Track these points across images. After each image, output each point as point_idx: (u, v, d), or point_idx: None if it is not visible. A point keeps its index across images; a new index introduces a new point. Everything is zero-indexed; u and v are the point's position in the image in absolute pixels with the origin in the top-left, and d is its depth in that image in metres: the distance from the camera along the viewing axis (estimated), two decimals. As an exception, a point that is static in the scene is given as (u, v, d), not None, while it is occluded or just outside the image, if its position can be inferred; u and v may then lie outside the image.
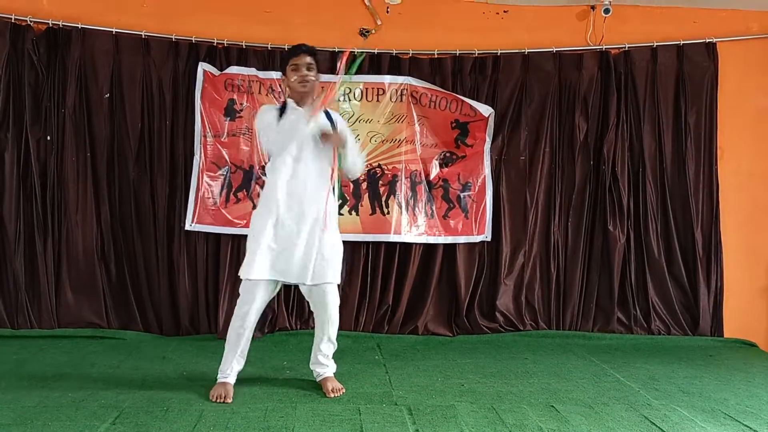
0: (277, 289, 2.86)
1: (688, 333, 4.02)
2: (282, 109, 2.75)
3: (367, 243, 3.99)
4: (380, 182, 3.98)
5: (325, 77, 3.88)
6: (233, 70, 3.87)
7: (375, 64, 4.01)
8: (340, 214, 3.89)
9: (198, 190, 3.83)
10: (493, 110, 4.00)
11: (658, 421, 2.51)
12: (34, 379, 2.91)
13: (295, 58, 2.71)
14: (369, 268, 4.01)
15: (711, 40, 4.03)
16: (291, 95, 2.78)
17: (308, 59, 2.71)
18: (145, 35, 3.83)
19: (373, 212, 3.96)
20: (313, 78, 2.71)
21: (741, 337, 4.02)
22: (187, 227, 3.80)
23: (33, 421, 2.37)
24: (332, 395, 2.74)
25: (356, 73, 3.95)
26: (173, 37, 3.85)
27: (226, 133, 3.86)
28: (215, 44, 3.90)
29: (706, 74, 4.03)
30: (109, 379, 2.93)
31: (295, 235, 2.68)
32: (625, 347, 3.83)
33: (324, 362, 2.87)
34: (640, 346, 3.85)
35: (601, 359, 3.52)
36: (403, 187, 3.98)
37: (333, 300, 2.79)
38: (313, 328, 3.93)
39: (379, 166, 3.99)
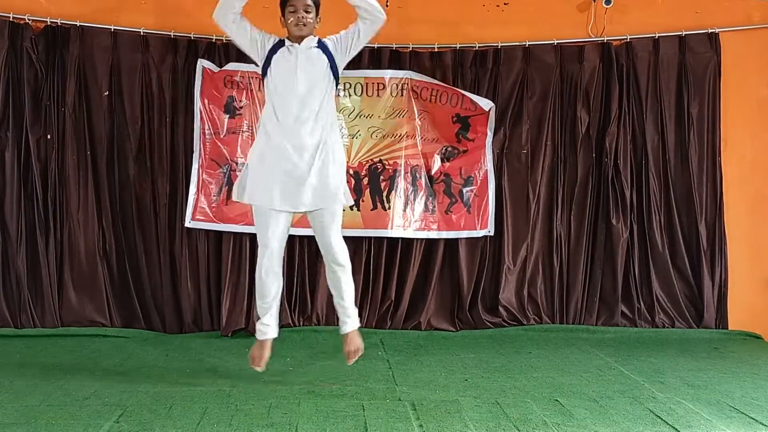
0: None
1: (693, 326, 4.00)
2: (279, 44, 2.77)
3: (369, 238, 3.98)
4: (381, 177, 3.97)
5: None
6: (232, 66, 3.85)
7: (375, 58, 3.99)
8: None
9: (198, 187, 3.82)
10: (493, 104, 3.98)
11: (663, 415, 2.50)
12: (38, 377, 2.91)
13: None
14: (371, 263, 4.00)
15: (713, 30, 4.00)
16: (289, 37, 2.78)
17: (307, 0, 2.69)
18: (143, 32, 3.82)
19: (374, 207, 3.95)
20: (311, 20, 2.70)
21: (746, 329, 4.00)
22: (187, 224, 3.80)
23: (37, 420, 2.37)
24: (350, 361, 2.82)
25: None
26: (172, 33, 3.84)
27: (225, 131, 3.85)
28: (214, 40, 3.88)
29: (708, 65, 4.00)
30: (113, 377, 2.92)
31: (291, 165, 2.69)
32: (629, 341, 3.82)
33: (342, 308, 2.89)
34: (645, 340, 3.84)
35: (605, 353, 3.50)
36: (404, 182, 3.96)
37: (330, 224, 2.78)
38: (316, 324, 3.96)
39: (380, 161, 3.97)
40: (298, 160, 2.70)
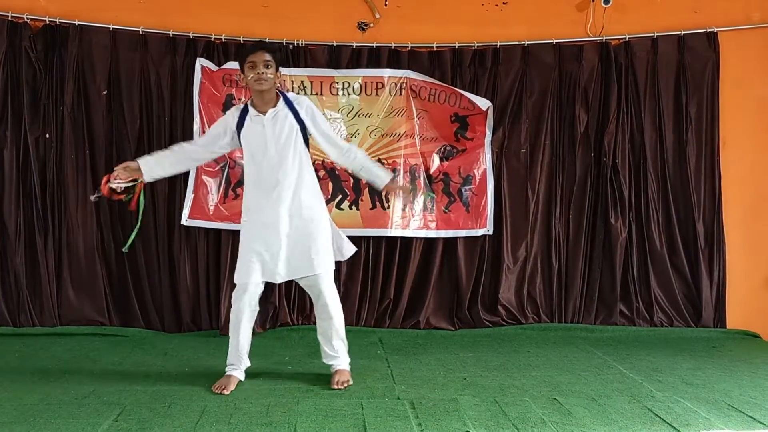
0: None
1: (691, 325, 4.01)
2: (243, 113, 2.77)
3: (368, 238, 3.98)
4: (380, 176, 3.97)
5: (322, 71, 3.92)
6: (231, 65, 3.84)
7: (373, 58, 3.99)
8: (340, 209, 3.90)
9: (196, 185, 3.81)
10: (491, 104, 3.98)
11: (661, 413, 2.50)
12: (37, 376, 2.91)
13: (251, 55, 2.68)
14: (370, 262, 4.01)
15: (712, 29, 4.00)
16: (252, 95, 2.78)
17: (266, 56, 2.67)
18: (142, 31, 3.81)
19: (374, 207, 3.95)
20: (270, 76, 2.68)
21: (744, 328, 4.00)
22: (183, 222, 3.80)
23: (35, 419, 2.37)
24: (335, 387, 2.74)
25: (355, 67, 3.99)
26: (171, 32, 3.84)
27: (225, 129, 3.84)
28: (213, 39, 3.88)
29: (707, 64, 4.00)
30: (112, 376, 2.93)
31: (273, 234, 2.71)
32: (627, 339, 3.82)
33: (332, 353, 2.87)
34: (643, 338, 3.85)
35: (603, 352, 3.51)
36: (402, 181, 3.96)
37: (317, 286, 2.78)
38: (314, 323, 3.96)
39: (379, 160, 3.96)
40: (277, 230, 2.70)
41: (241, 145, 2.81)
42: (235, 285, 3.59)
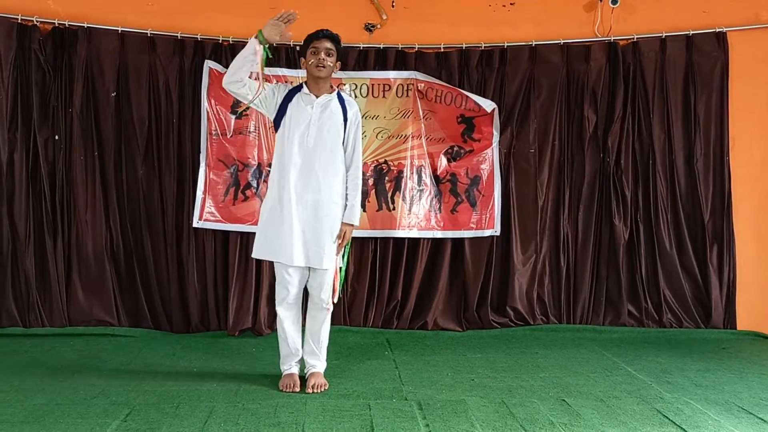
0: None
1: (701, 326, 3.99)
2: (296, 90, 2.80)
3: (375, 239, 3.98)
4: (386, 178, 3.97)
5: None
6: (239, 67, 3.86)
7: (381, 59, 4.00)
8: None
9: (205, 187, 3.83)
10: (495, 105, 3.96)
11: (671, 415, 2.49)
12: (46, 376, 2.93)
13: (315, 41, 2.74)
14: (377, 263, 4.01)
15: (721, 29, 3.98)
16: (307, 79, 2.81)
17: (328, 44, 2.73)
18: (150, 33, 3.83)
19: (380, 208, 3.96)
20: (330, 64, 2.74)
21: (754, 329, 3.98)
22: (195, 225, 3.81)
23: (45, 419, 2.39)
24: (310, 391, 2.73)
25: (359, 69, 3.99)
26: (179, 34, 3.86)
27: (232, 131, 3.86)
28: (221, 41, 3.89)
29: (716, 64, 3.98)
30: (120, 377, 2.94)
31: (304, 219, 2.72)
32: (636, 340, 3.81)
33: (316, 351, 2.87)
34: (652, 340, 3.83)
35: (612, 353, 3.50)
36: (409, 182, 3.96)
37: (323, 279, 2.79)
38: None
39: (386, 162, 3.97)
40: (301, 215, 2.71)
41: (278, 123, 2.79)
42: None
